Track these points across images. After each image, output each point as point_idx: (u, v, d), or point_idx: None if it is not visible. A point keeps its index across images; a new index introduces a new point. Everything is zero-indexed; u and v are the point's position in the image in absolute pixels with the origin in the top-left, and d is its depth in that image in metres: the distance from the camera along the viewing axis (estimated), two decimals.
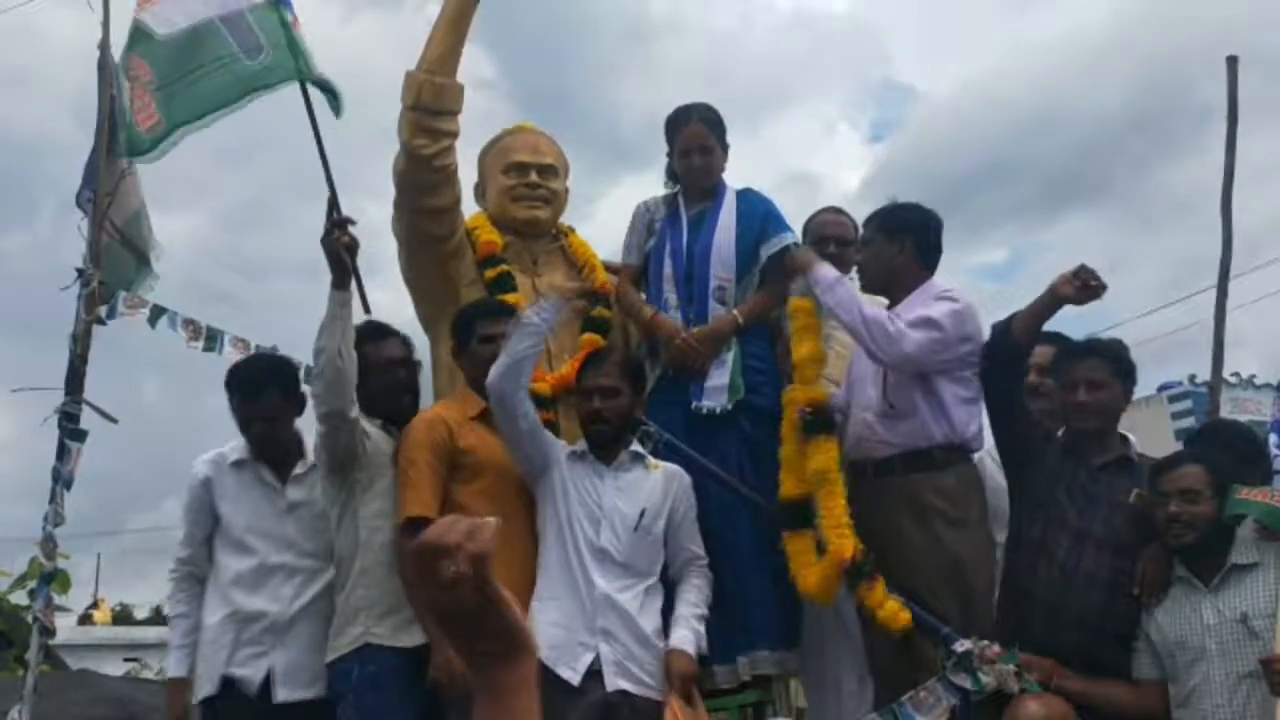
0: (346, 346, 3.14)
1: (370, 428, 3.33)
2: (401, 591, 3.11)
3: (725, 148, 3.81)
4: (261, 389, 3.33)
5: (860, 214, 3.74)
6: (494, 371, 3.09)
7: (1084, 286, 3.13)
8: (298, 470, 3.40)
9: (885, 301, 3.43)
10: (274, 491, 3.36)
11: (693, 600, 3.21)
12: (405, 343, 3.55)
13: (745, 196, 3.80)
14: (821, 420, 3.32)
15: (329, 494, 3.35)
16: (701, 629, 3.17)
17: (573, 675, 2.99)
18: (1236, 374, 20.19)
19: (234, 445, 3.40)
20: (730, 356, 3.56)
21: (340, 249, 3.17)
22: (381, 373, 3.38)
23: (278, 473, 3.38)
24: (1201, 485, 2.96)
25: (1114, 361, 3.28)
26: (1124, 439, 3.32)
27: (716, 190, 3.79)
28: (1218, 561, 2.96)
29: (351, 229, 3.23)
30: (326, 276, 3.19)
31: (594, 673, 3.01)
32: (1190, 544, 2.97)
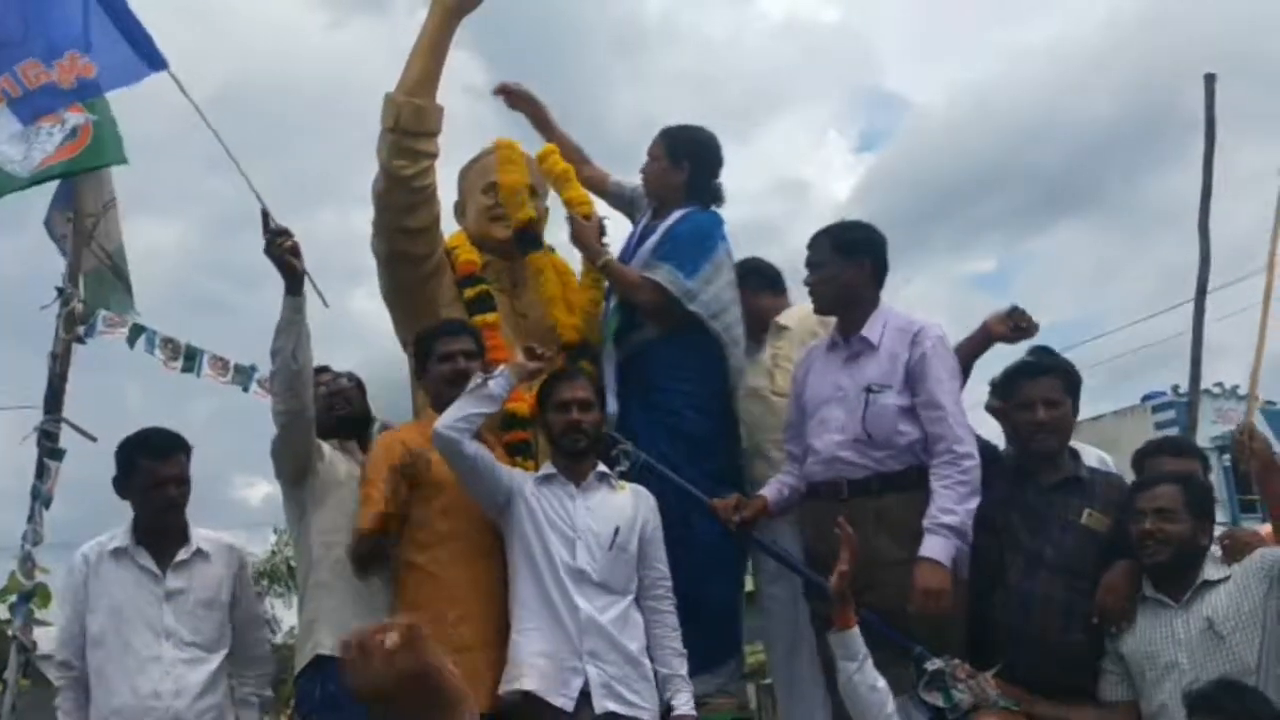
0: (301, 348, 3.19)
1: (325, 447, 3.40)
2: (356, 606, 3.16)
3: (681, 164, 3.77)
4: (172, 449, 3.26)
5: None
6: (442, 422, 3.09)
7: (1016, 328, 3.30)
8: (180, 556, 3.25)
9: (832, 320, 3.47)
10: (152, 578, 3.21)
11: (676, 646, 3.21)
12: (342, 375, 3.64)
13: (686, 219, 3.75)
14: (529, 239, 3.84)
15: (288, 512, 3.43)
16: (689, 680, 3.20)
17: (566, 702, 2.99)
18: (1220, 384, 20.14)
19: (114, 533, 3.27)
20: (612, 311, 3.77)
21: (286, 255, 3.19)
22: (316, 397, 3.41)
23: (159, 559, 3.23)
24: (1177, 505, 2.98)
25: (1066, 379, 3.32)
26: (1075, 456, 3.31)
27: (682, 205, 3.77)
28: (1190, 580, 2.97)
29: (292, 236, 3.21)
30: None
31: (583, 694, 3.01)
32: (1163, 561, 2.98)
